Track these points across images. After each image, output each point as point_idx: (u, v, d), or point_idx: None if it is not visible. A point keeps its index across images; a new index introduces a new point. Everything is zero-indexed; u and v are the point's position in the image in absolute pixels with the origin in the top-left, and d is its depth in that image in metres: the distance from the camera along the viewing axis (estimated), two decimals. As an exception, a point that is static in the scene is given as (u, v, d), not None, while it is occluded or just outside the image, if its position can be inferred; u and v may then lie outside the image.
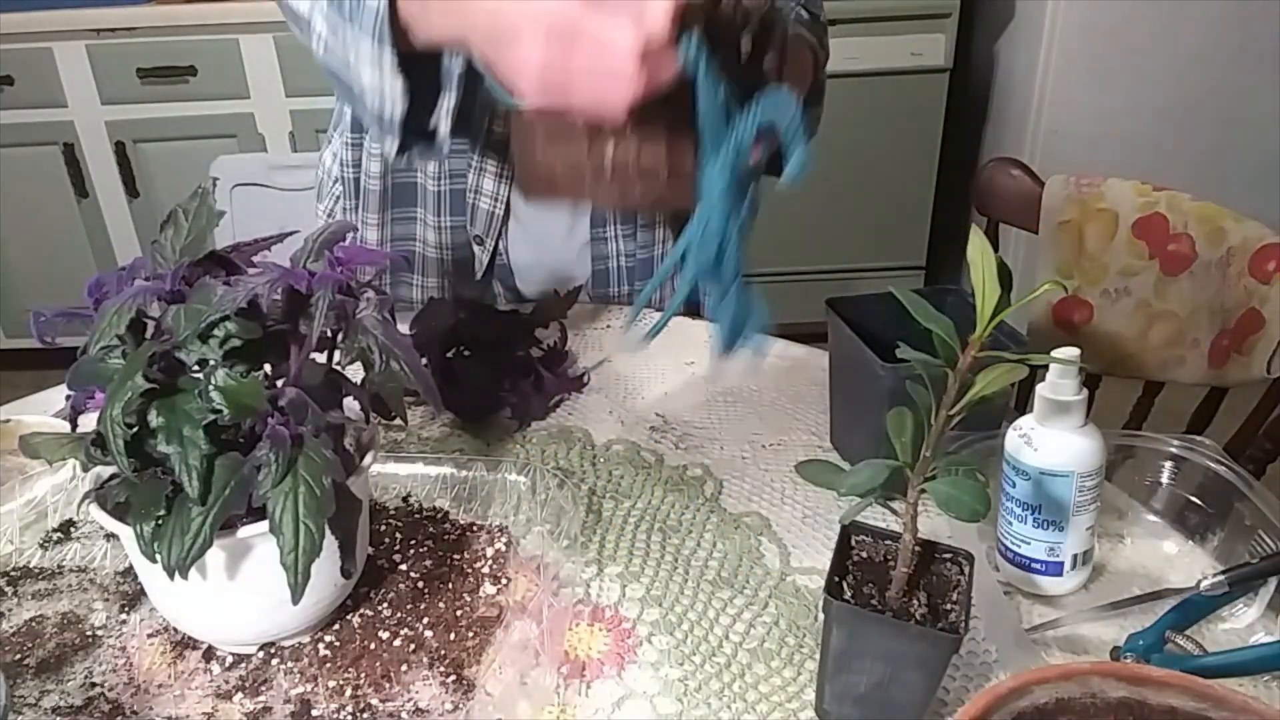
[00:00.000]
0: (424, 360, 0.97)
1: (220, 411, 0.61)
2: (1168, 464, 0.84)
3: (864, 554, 0.67)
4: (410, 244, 1.15)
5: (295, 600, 0.61)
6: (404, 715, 0.67)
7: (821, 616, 0.64)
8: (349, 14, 0.72)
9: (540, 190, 0.74)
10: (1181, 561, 0.80)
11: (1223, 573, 0.71)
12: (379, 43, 0.70)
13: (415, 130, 0.77)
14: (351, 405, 0.71)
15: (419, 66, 0.72)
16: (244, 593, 0.67)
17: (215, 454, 0.62)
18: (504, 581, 0.78)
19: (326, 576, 0.70)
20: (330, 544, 0.65)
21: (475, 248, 1.13)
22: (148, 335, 0.65)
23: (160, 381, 0.62)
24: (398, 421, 0.72)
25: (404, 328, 0.89)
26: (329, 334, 0.68)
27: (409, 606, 0.75)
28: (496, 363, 0.99)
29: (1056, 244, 1.27)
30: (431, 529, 0.83)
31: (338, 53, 0.75)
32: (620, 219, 1.15)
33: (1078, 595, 0.77)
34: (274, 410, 0.64)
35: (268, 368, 0.68)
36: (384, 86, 0.72)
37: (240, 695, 0.69)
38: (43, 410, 0.98)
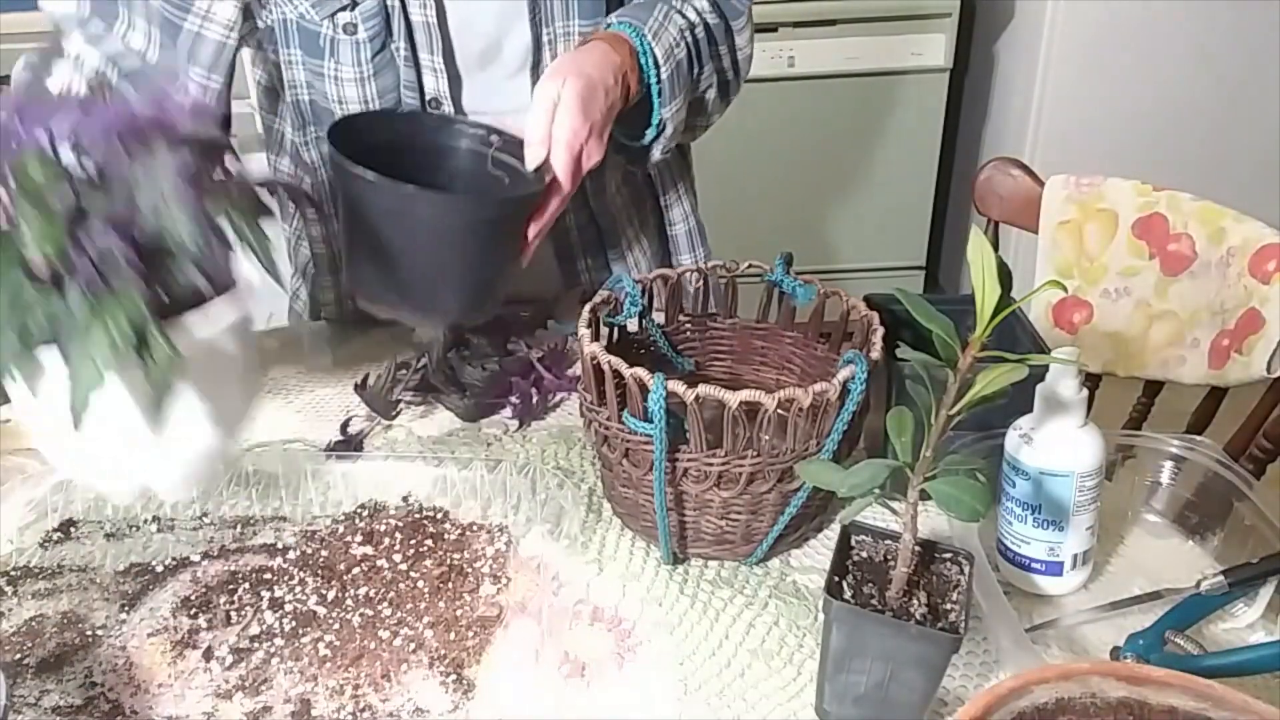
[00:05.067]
0: (423, 361, 0.98)
1: (27, 248, 0.62)
2: (1168, 464, 0.84)
3: (864, 554, 0.67)
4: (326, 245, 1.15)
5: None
6: (404, 715, 0.67)
7: (821, 616, 0.64)
8: None
9: None
10: (1181, 561, 0.80)
11: (1223, 573, 0.71)
12: None
13: None
14: (247, 271, 0.71)
15: None
16: (111, 435, 0.67)
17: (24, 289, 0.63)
18: (504, 581, 0.78)
19: (193, 433, 0.69)
20: (192, 403, 0.67)
21: None
22: None
23: None
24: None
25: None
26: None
27: (409, 606, 0.75)
28: (497, 363, 0.99)
29: (1056, 244, 1.27)
30: (431, 529, 0.83)
31: None
32: (590, 252, 1.15)
33: (1078, 595, 0.77)
34: (80, 251, 0.64)
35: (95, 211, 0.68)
36: None
37: (240, 695, 0.69)
38: (43, 410, 0.98)
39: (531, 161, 0.87)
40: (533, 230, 0.88)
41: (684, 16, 1.01)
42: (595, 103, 0.88)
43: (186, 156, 0.68)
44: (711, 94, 1.06)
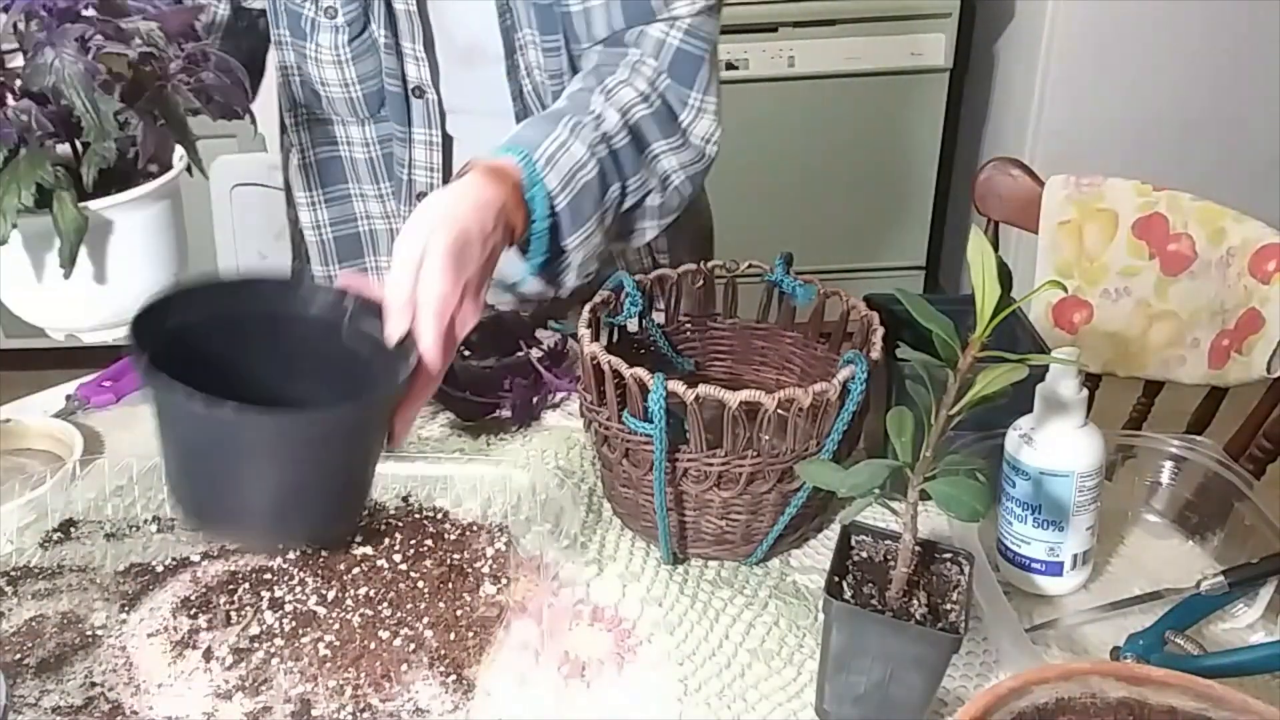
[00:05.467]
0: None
1: None
2: (1168, 464, 0.84)
3: (864, 554, 0.67)
4: (352, 225, 1.13)
5: None
6: (404, 715, 0.67)
7: (821, 616, 0.64)
8: None
9: None
10: (1181, 561, 0.80)
11: (1223, 573, 0.71)
12: None
13: None
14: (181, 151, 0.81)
15: None
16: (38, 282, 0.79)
17: None
18: (504, 581, 0.78)
19: (117, 284, 0.80)
20: (117, 258, 0.79)
21: None
22: None
23: None
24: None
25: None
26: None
27: (409, 606, 0.75)
28: (496, 363, 0.99)
29: (1056, 244, 1.27)
30: (431, 529, 0.83)
31: None
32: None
33: (1078, 595, 0.77)
34: (4, 118, 0.70)
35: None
36: None
37: (240, 695, 0.69)
38: (43, 410, 0.98)
39: (393, 333, 0.72)
40: (400, 422, 0.73)
41: (599, 126, 0.89)
42: (469, 257, 0.75)
43: (118, 48, 0.73)
44: (654, 200, 0.97)
